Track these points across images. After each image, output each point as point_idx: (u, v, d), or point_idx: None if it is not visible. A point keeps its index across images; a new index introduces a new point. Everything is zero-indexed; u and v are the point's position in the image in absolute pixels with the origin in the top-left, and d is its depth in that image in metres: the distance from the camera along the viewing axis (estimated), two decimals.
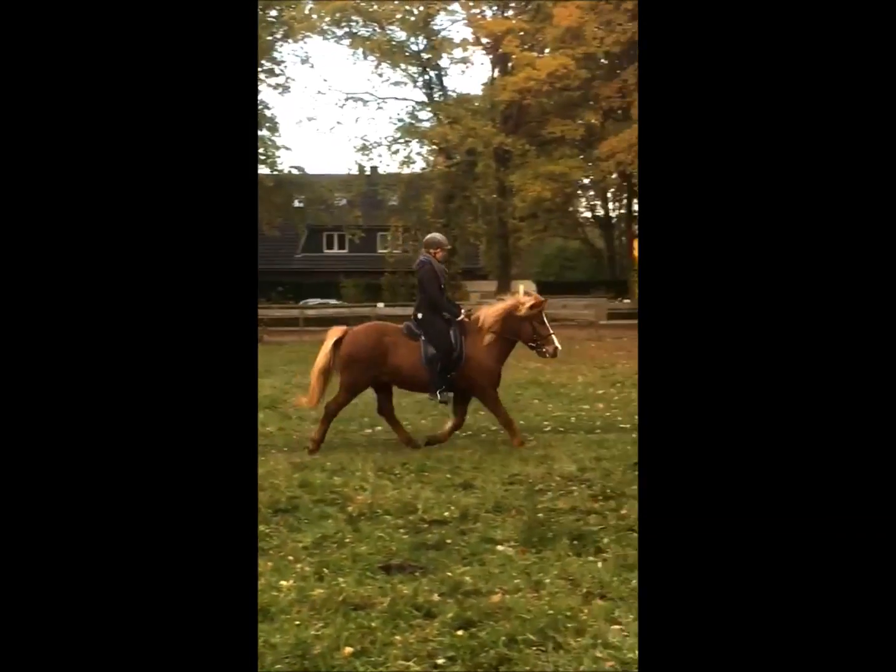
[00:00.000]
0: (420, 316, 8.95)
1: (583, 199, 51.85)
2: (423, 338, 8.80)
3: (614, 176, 43.49)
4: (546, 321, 9.00)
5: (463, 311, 9.12)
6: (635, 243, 49.02)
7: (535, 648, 3.77)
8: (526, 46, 42.44)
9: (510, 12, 45.28)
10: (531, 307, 8.75)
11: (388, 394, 9.31)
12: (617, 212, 51.18)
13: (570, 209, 49.75)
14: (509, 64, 42.07)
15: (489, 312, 8.94)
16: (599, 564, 4.91)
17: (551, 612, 4.10)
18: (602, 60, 43.48)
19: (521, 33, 42.17)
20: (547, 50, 42.52)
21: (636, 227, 44.86)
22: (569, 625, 3.98)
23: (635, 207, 47.22)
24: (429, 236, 9.58)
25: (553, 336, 8.94)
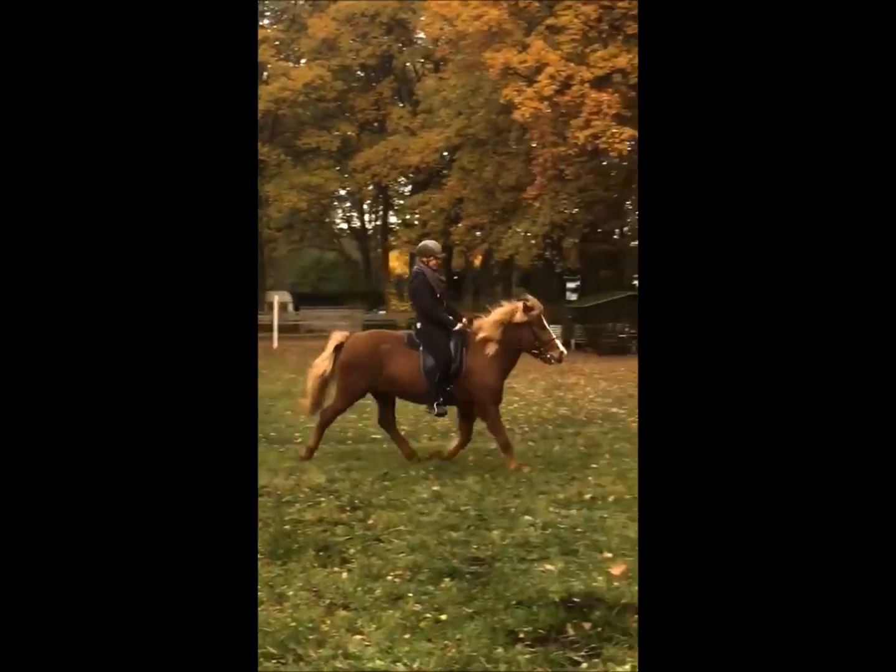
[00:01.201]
0: (419, 326, 8.60)
1: (339, 211, 52.06)
2: (421, 348, 8.43)
3: (370, 187, 44.00)
4: (547, 326, 8.58)
5: (464, 319, 8.66)
6: (391, 255, 49.75)
7: (275, 661, 3.73)
8: (281, 56, 42.38)
9: (265, 21, 45.02)
10: (525, 310, 8.31)
11: (389, 404, 8.89)
12: (373, 223, 51.70)
13: (327, 220, 49.88)
14: (264, 73, 41.80)
15: (487, 322, 8.47)
16: (344, 575, 4.93)
17: (293, 624, 4.08)
18: (358, 73, 43.99)
19: (277, 42, 42.10)
20: (303, 60, 42.60)
21: (391, 238, 45.56)
22: (310, 636, 3.96)
23: (391, 219, 48.01)
24: (421, 244, 9.18)
25: (557, 341, 8.57)
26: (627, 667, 3.66)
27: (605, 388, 16.32)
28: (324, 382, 8.72)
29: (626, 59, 25.43)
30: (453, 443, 8.65)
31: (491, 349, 8.29)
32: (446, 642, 3.95)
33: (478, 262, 47.33)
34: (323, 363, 8.70)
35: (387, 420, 8.84)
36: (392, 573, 4.95)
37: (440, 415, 8.58)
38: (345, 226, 53.33)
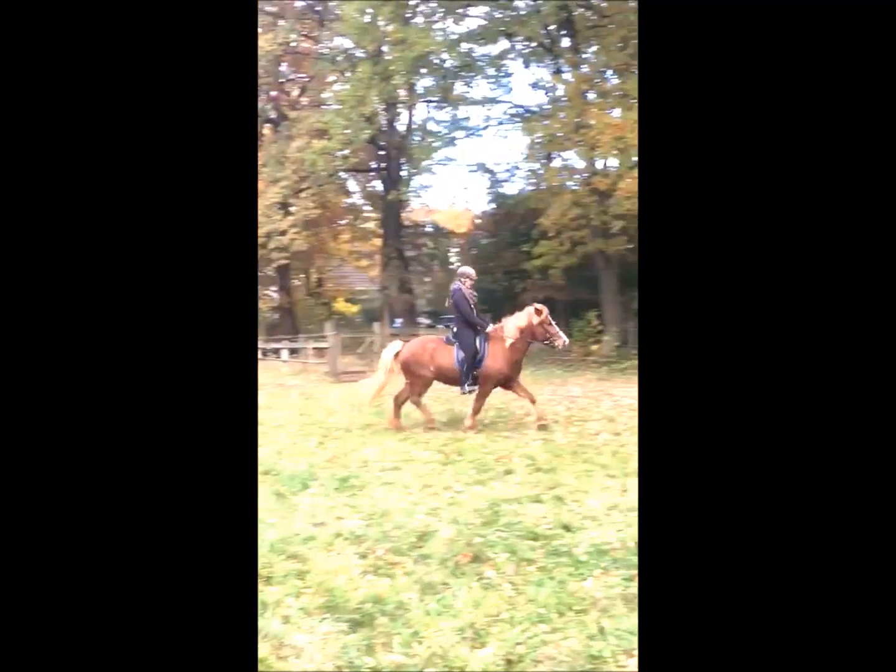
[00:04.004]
0: (455, 329, 8.35)
1: None
2: (456, 345, 8.25)
3: None
4: (553, 322, 8.32)
5: (491, 325, 8.35)
6: None
7: None
8: None
9: None
10: (537, 313, 8.15)
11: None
12: None
13: None
14: None
15: (511, 324, 8.22)
16: None
17: None
18: None
19: None
20: None
21: None
22: None
23: None
24: (460, 269, 8.88)
25: (560, 332, 8.35)
26: None
27: None
28: (388, 377, 8.52)
29: None
30: (529, 407, 8.42)
31: (510, 343, 8.17)
32: None
33: None
34: (387, 365, 8.49)
35: (401, 397, 8.52)
36: None
37: (468, 393, 8.31)
38: None
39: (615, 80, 17.32)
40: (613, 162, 16.96)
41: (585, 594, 3.18)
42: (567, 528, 4.15)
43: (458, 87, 21.89)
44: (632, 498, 4.77)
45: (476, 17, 20.59)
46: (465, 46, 19.95)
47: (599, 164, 17.74)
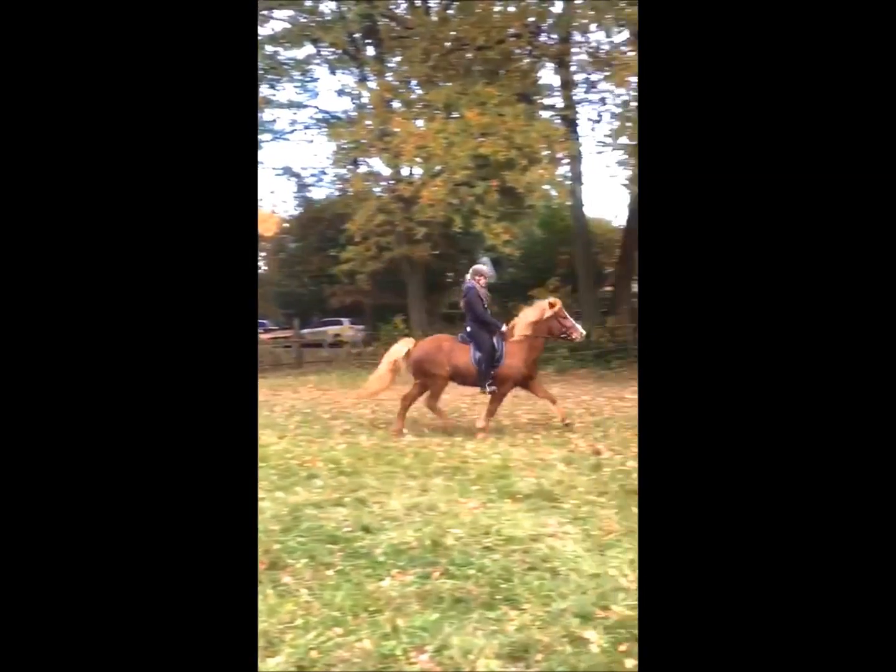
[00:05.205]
0: (469, 329, 7.83)
1: None
2: (472, 344, 7.76)
3: None
4: (567, 315, 7.88)
5: (504, 325, 7.90)
6: None
7: None
8: None
9: None
10: (550, 307, 7.77)
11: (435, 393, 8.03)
12: None
13: None
14: None
15: (522, 320, 7.83)
16: None
17: None
18: None
19: None
20: None
21: None
22: None
23: None
24: (475, 266, 8.18)
25: (577, 325, 7.89)
26: None
27: None
28: (395, 373, 8.06)
29: None
30: (550, 407, 8.18)
31: (522, 341, 7.75)
32: None
33: None
34: (395, 362, 8.01)
35: (430, 403, 8.06)
36: None
37: (490, 392, 7.82)
38: None
39: (419, 91, 17.69)
40: (417, 170, 17.31)
41: (381, 594, 3.21)
42: (367, 529, 4.17)
43: (264, 90, 21.37)
44: (431, 497, 4.90)
45: (280, 21, 20.22)
46: (269, 49, 19.51)
47: (404, 172, 18.05)
